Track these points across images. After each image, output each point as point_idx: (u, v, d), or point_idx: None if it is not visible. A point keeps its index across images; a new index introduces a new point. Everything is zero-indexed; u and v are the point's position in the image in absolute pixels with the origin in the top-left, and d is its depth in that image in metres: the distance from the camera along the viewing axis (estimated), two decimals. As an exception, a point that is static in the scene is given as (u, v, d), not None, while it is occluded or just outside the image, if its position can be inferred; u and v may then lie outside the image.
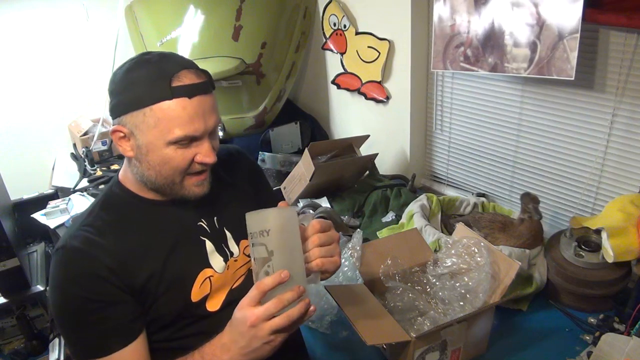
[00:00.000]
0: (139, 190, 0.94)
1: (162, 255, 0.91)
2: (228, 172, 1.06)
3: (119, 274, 0.85)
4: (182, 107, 0.83)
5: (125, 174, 0.96)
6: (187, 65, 0.86)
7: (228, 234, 1.01)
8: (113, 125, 0.88)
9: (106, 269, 0.84)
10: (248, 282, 1.01)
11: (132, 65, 0.86)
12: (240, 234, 1.02)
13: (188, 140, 0.86)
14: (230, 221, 1.02)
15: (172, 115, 0.83)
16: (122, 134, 0.87)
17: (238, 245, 1.02)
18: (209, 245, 0.97)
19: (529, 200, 1.41)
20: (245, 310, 0.78)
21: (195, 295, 0.93)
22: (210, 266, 0.96)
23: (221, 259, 0.98)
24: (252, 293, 0.78)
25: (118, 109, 0.86)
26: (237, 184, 1.08)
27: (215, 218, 1.00)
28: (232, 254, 1.00)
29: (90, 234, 0.87)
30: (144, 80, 0.83)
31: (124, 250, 0.88)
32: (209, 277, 0.95)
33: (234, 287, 1.00)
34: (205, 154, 0.88)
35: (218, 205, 1.01)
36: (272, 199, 1.19)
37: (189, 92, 0.83)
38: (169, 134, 0.83)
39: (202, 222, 0.98)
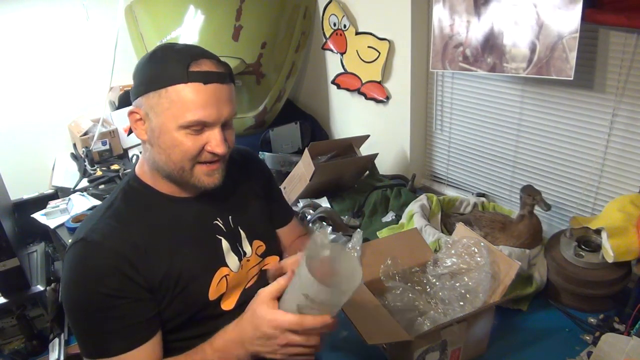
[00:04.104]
0: (155, 184, 0.94)
1: (180, 252, 0.91)
2: (241, 173, 1.06)
3: (140, 270, 0.84)
4: (196, 92, 0.83)
5: (142, 168, 0.95)
6: (209, 55, 0.88)
7: (242, 233, 1.01)
8: (132, 107, 0.89)
9: (128, 263, 0.83)
10: (260, 283, 1.01)
11: (155, 50, 0.88)
12: (254, 234, 1.03)
13: (200, 127, 0.86)
14: (245, 221, 1.02)
15: (185, 99, 0.83)
16: (138, 116, 0.88)
17: (251, 245, 1.02)
18: (224, 244, 0.97)
19: (535, 192, 1.39)
20: (268, 307, 0.78)
21: (213, 293, 0.93)
22: (226, 265, 0.96)
23: (236, 258, 0.98)
24: (272, 286, 0.79)
25: (137, 90, 0.87)
26: (250, 184, 1.08)
27: (230, 217, 1.00)
28: (245, 253, 1.00)
29: (111, 227, 0.86)
30: (163, 63, 0.84)
31: (145, 244, 0.87)
32: (225, 276, 0.95)
33: (247, 287, 1.00)
34: (215, 143, 0.87)
35: (233, 205, 1.02)
36: (281, 201, 1.20)
37: (204, 78, 0.84)
38: (181, 118, 0.84)
39: (218, 220, 0.98)
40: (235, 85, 0.93)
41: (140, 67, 0.87)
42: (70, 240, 0.89)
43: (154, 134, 0.87)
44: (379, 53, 1.95)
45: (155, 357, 0.87)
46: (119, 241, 0.85)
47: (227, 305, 0.96)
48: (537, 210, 1.43)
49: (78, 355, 0.92)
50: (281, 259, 1.10)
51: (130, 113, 0.89)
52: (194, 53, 0.86)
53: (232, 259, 0.97)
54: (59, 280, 1.52)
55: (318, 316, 0.75)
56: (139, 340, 0.84)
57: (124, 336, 0.83)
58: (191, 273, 0.90)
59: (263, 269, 1.05)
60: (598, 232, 1.33)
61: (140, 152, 2.30)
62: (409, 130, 2.00)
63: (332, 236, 1.60)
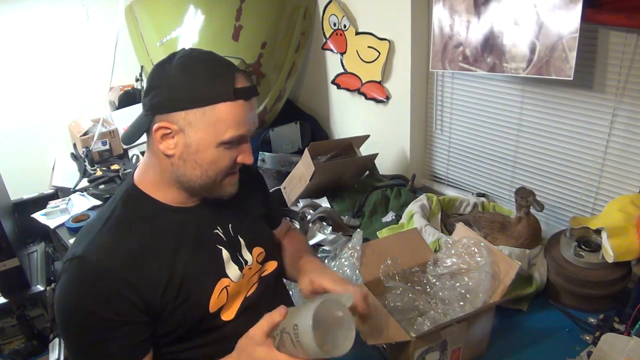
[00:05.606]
0: (156, 194, 0.91)
1: (181, 264, 0.88)
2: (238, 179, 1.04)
3: (139, 289, 0.82)
4: (241, 109, 0.85)
5: (142, 175, 0.92)
6: (237, 68, 0.88)
7: (242, 241, 0.99)
8: (156, 121, 0.85)
9: (126, 284, 0.81)
10: (261, 290, 1.01)
11: (185, 61, 0.84)
12: (253, 241, 1.01)
13: (237, 141, 0.87)
14: (244, 228, 1.00)
15: (231, 116, 0.84)
16: (168, 131, 0.85)
17: (251, 252, 1.00)
18: (225, 254, 0.95)
19: (528, 194, 1.40)
20: (267, 348, 0.77)
21: (213, 306, 0.91)
22: (227, 276, 0.94)
23: (237, 267, 0.96)
24: (264, 323, 0.78)
25: (171, 104, 0.83)
26: (246, 189, 1.06)
27: (230, 225, 0.99)
28: (246, 262, 0.99)
29: (110, 242, 0.84)
30: (206, 79, 0.83)
31: (144, 257, 0.85)
32: (225, 287, 0.93)
33: (248, 294, 0.98)
34: (247, 155, 0.90)
35: (232, 212, 1.00)
36: (273, 203, 1.20)
37: (247, 94, 0.86)
38: (224, 134, 0.85)
39: (218, 230, 0.96)
40: None
41: (171, 79, 0.83)
42: (67, 254, 0.86)
43: (189, 150, 0.86)
44: (379, 53, 1.95)
45: None
46: (118, 259, 0.82)
47: (227, 315, 0.95)
48: (533, 210, 1.43)
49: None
50: (279, 262, 1.09)
51: (158, 128, 0.84)
52: (229, 67, 0.86)
53: (232, 269, 0.95)
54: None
55: None
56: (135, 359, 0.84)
57: (120, 357, 0.82)
58: (192, 286, 0.88)
59: (262, 275, 1.03)
60: (598, 232, 1.33)
61: (141, 154, 2.30)
62: (409, 130, 2.00)
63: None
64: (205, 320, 0.91)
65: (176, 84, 0.83)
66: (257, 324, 0.79)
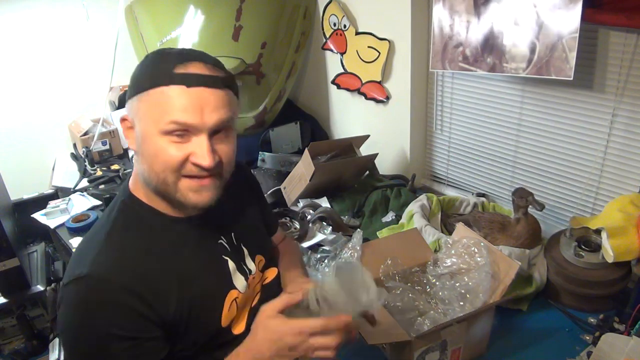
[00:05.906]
0: (152, 202, 0.86)
1: (189, 279, 0.84)
2: (235, 184, 0.99)
3: (152, 304, 0.78)
4: (177, 95, 0.76)
5: (135, 182, 0.88)
6: (204, 59, 0.80)
7: (245, 250, 0.97)
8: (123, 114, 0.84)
9: (139, 300, 0.77)
10: (264, 299, 0.97)
11: (150, 54, 0.83)
12: (254, 249, 0.99)
13: (182, 131, 0.78)
14: (246, 236, 0.98)
15: (166, 102, 0.76)
16: (128, 124, 0.83)
17: (253, 261, 0.98)
18: (231, 264, 0.92)
19: (527, 194, 1.41)
20: (280, 320, 0.78)
21: (225, 319, 0.89)
22: (234, 287, 0.91)
23: (242, 277, 0.93)
24: (279, 300, 0.80)
25: (127, 95, 0.82)
26: (244, 197, 1.04)
27: (233, 234, 0.95)
28: (250, 271, 0.96)
29: (116, 258, 0.79)
30: (150, 65, 0.80)
31: (152, 274, 0.81)
32: (235, 299, 0.91)
33: (252, 305, 0.96)
34: (200, 154, 0.78)
35: (233, 220, 0.97)
36: (269, 210, 1.18)
37: (189, 81, 0.77)
38: (160, 122, 0.77)
39: (222, 239, 0.93)
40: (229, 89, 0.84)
41: (134, 71, 0.82)
42: (67, 274, 0.80)
43: (139, 142, 0.80)
44: (379, 53, 1.95)
45: None
46: (127, 275, 0.78)
47: (238, 329, 0.92)
48: (534, 210, 1.43)
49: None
50: (279, 269, 1.07)
51: (122, 121, 0.83)
52: (185, 55, 0.79)
53: (239, 280, 0.93)
54: (59, 280, 1.52)
55: (341, 316, 0.76)
56: None
57: None
58: (202, 302, 0.85)
59: (264, 284, 1.01)
60: (598, 232, 1.33)
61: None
62: (409, 130, 2.00)
63: (332, 235, 1.59)
64: (218, 335, 0.88)
65: (132, 75, 0.82)
66: (272, 300, 0.79)
